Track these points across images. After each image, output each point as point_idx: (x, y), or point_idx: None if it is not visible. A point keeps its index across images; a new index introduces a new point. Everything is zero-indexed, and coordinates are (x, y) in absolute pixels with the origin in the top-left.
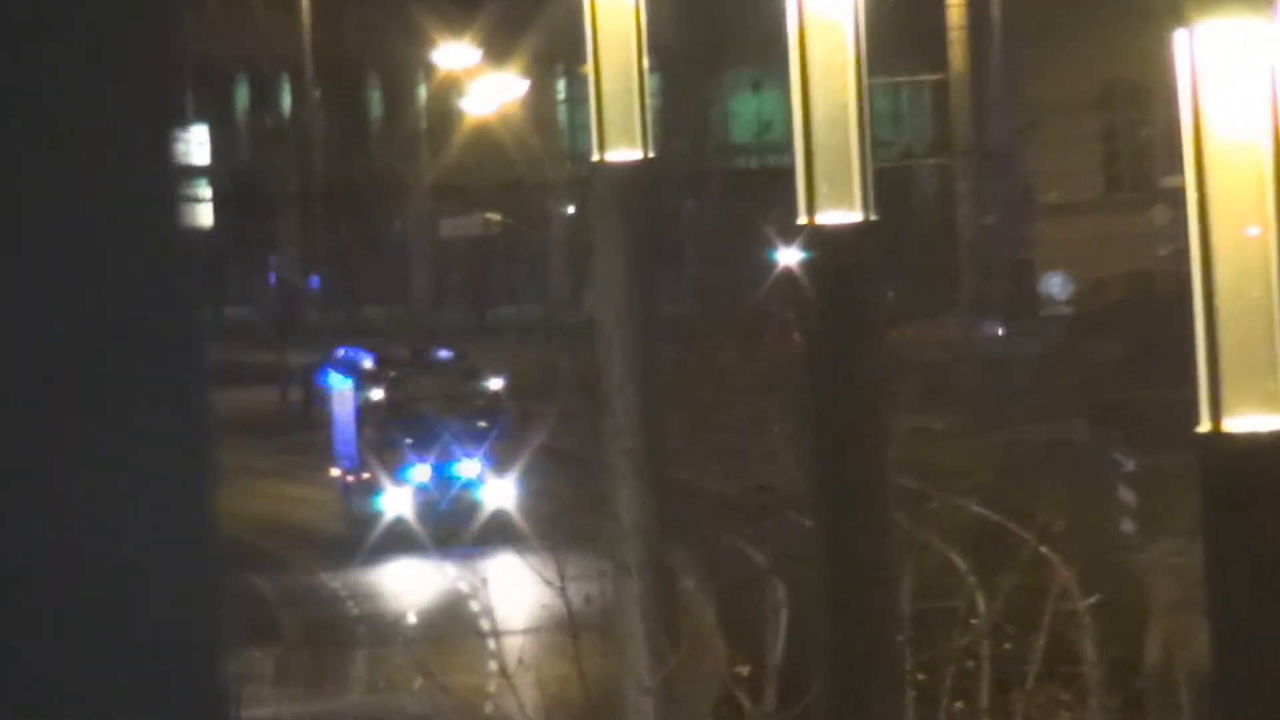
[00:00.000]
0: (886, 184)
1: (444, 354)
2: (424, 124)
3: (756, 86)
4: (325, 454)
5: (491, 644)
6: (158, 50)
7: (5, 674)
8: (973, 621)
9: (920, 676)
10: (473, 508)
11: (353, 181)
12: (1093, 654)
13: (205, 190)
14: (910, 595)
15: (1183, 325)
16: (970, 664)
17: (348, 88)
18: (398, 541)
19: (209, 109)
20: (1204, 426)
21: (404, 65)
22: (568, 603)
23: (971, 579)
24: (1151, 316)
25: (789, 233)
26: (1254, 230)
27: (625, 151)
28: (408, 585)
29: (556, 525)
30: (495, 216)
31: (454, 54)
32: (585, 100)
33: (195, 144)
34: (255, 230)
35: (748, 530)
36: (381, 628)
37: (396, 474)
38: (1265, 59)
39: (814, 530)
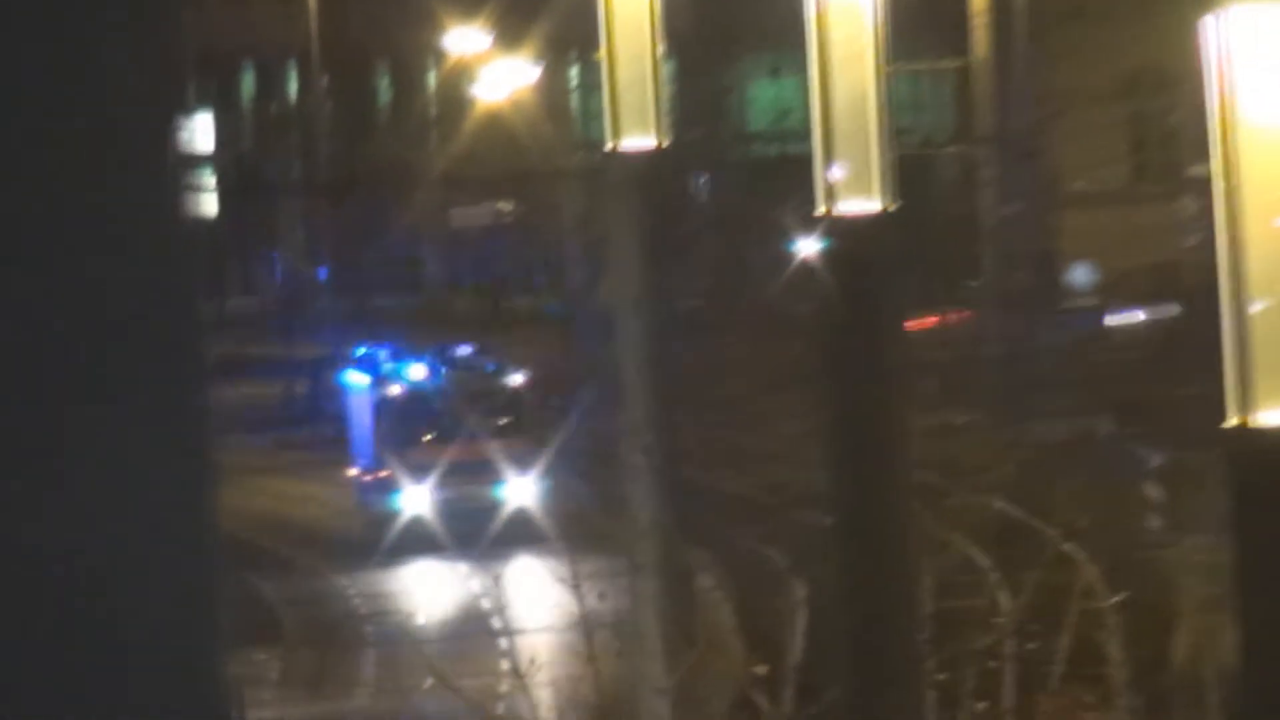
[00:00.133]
0: (907, 172)
1: (464, 350)
2: (433, 111)
3: (775, 73)
4: (335, 450)
5: (504, 644)
6: (158, 48)
7: (5, 674)
8: (995, 620)
9: (941, 676)
10: (494, 506)
11: (360, 170)
12: (1118, 653)
13: (210, 180)
14: (931, 593)
15: (1210, 319)
16: (993, 664)
17: (355, 74)
18: (416, 541)
19: (214, 97)
20: (1231, 421)
21: (413, 51)
22: (582, 602)
23: (994, 576)
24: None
25: (808, 222)
26: None
27: (639, 139)
28: (429, 585)
29: (577, 524)
30: (506, 206)
31: (464, 39)
32: (599, 87)
33: (200, 133)
34: (261, 220)
35: (763, 530)
36: (403, 629)
37: (415, 473)
38: None
39: (833, 527)
